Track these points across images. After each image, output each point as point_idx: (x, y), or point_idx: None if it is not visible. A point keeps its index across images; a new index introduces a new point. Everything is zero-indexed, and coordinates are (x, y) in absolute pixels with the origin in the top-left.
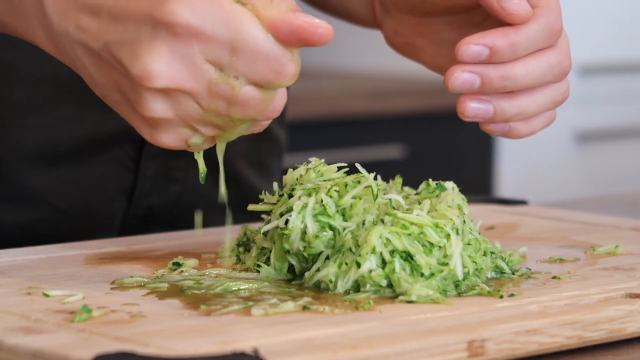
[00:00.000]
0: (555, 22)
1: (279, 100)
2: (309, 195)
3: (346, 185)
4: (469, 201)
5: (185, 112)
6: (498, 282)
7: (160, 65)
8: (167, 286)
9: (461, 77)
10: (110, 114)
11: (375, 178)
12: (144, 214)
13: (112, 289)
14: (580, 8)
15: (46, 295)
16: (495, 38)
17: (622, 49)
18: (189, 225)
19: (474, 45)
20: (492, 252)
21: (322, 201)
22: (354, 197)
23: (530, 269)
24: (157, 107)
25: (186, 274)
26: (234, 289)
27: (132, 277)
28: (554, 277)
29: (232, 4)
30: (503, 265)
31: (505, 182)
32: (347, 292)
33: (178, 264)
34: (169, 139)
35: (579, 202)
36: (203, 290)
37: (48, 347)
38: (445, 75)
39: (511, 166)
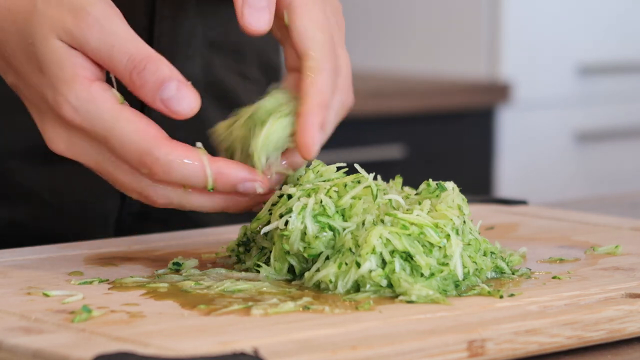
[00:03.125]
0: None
1: (159, 195)
2: (308, 196)
3: (345, 185)
4: (469, 201)
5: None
6: (498, 282)
7: (57, 141)
8: (167, 286)
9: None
10: None
11: (375, 178)
12: (139, 211)
13: (111, 289)
14: (580, 8)
15: (46, 295)
16: (320, 116)
17: (622, 49)
18: (184, 222)
19: (311, 137)
20: (492, 252)
21: (321, 202)
22: (353, 198)
23: (530, 269)
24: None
25: (186, 273)
26: (233, 289)
27: (132, 277)
28: (554, 277)
29: (114, 105)
30: (503, 265)
31: (505, 182)
32: (347, 292)
33: (178, 264)
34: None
35: (579, 202)
36: (203, 291)
37: (48, 347)
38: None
39: (511, 166)
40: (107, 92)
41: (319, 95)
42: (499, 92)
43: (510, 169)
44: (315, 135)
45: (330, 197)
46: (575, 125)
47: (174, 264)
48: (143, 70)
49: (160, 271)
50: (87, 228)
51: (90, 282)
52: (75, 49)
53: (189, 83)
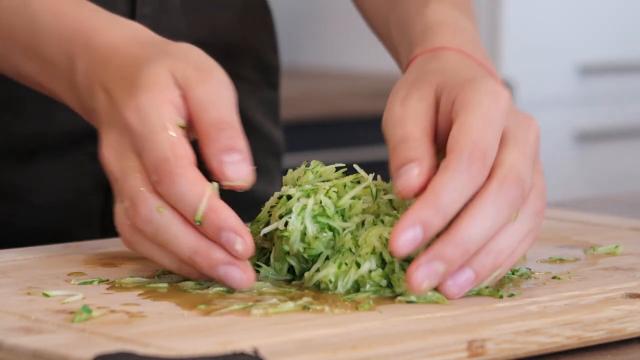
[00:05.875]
0: (470, 162)
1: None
2: (308, 196)
3: (345, 186)
4: None
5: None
6: (498, 282)
7: (107, 149)
8: (167, 286)
9: (423, 273)
10: None
11: (375, 178)
12: None
13: (111, 289)
14: (580, 8)
15: (46, 295)
16: (419, 212)
17: (622, 49)
18: None
19: (404, 233)
20: None
21: (320, 202)
22: (353, 198)
23: (530, 269)
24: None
25: None
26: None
27: (132, 277)
28: (554, 277)
29: (171, 121)
30: None
31: None
32: (347, 292)
33: None
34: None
35: (579, 202)
36: (203, 291)
37: (48, 347)
38: (407, 276)
39: None
40: (174, 113)
41: (431, 195)
42: None
43: None
44: (403, 235)
45: (329, 197)
46: (576, 125)
47: None
48: (222, 131)
49: (160, 271)
50: (71, 226)
51: (90, 282)
52: (178, 87)
53: (253, 166)
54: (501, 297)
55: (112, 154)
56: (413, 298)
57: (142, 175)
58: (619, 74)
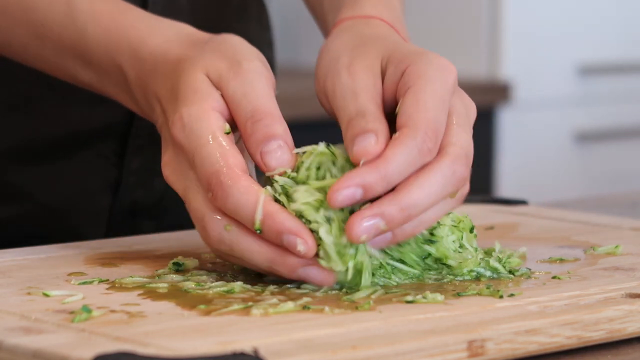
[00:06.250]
0: (424, 141)
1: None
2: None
3: (302, 164)
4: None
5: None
6: (498, 282)
7: (165, 166)
8: (167, 286)
9: (365, 225)
10: (93, 110)
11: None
12: (131, 208)
13: (111, 289)
14: (580, 8)
15: (46, 295)
16: (364, 175)
17: (622, 49)
18: (177, 219)
19: (344, 190)
20: (486, 252)
21: (278, 183)
22: (307, 169)
23: (530, 269)
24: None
25: (192, 277)
26: (232, 288)
27: (132, 277)
28: (554, 277)
29: (217, 129)
30: (497, 265)
31: (505, 182)
32: (346, 292)
33: (178, 264)
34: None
35: (579, 202)
36: (203, 291)
37: (48, 347)
38: (348, 223)
39: (511, 166)
40: (219, 120)
41: (383, 162)
42: (499, 92)
43: (510, 169)
44: (345, 190)
45: (288, 176)
46: (575, 125)
47: (174, 264)
48: (258, 122)
49: (160, 271)
50: (78, 226)
51: (91, 282)
52: (215, 87)
53: (294, 149)
54: (501, 297)
55: (172, 172)
56: (413, 298)
57: (203, 195)
58: (619, 74)
